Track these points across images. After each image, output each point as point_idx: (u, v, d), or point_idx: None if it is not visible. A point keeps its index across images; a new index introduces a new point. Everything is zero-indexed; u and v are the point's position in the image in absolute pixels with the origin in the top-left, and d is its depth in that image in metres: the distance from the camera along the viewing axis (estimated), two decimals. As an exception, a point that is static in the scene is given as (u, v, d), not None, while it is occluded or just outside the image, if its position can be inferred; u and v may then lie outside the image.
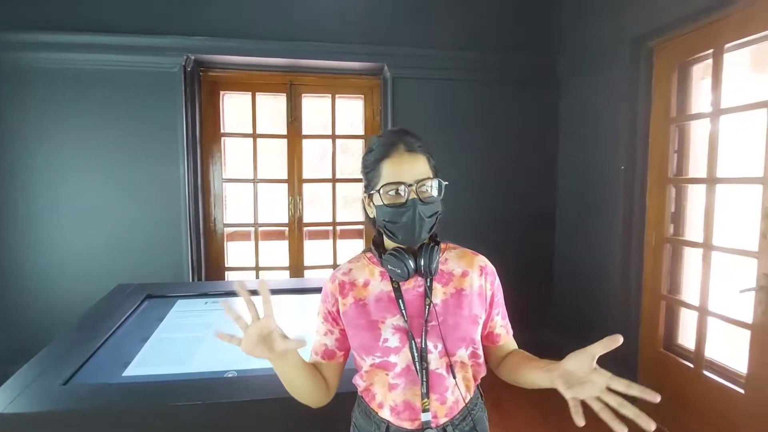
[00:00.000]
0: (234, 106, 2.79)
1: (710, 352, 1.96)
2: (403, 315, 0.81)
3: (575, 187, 2.70)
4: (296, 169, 2.82)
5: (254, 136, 2.76)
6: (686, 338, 2.15)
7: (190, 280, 2.57)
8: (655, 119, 2.20)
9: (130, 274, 2.35)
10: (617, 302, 2.36)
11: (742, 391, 1.75)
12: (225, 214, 2.80)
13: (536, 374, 0.77)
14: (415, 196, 0.78)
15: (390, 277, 0.84)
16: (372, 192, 0.82)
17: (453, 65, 2.69)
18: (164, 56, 2.33)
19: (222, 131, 2.73)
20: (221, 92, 2.70)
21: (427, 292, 0.83)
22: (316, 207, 2.98)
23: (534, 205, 2.88)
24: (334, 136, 2.84)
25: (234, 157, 2.81)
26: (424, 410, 0.79)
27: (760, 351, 1.69)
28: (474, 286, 0.87)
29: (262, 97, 2.78)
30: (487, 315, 0.89)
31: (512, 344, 0.94)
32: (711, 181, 1.90)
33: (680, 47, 2.05)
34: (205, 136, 2.69)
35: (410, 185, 0.78)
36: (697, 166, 2.11)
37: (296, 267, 2.91)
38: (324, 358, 0.88)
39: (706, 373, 1.91)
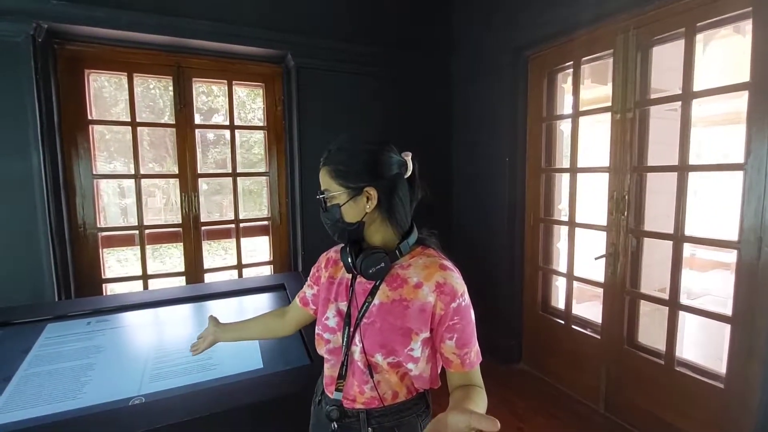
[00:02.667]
0: (114, 90, 2.34)
1: (577, 311, 2.43)
2: (348, 303, 0.89)
3: (469, 177, 3.00)
4: (189, 162, 2.52)
5: (133, 124, 2.37)
6: (558, 301, 2.62)
7: (57, 299, 2.12)
8: (530, 118, 2.58)
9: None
10: (504, 274, 2.72)
11: (598, 336, 2.23)
12: (99, 217, 2.36)
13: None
14: (321, 205, 0.89)
15: None
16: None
17: (356, 59, 2.70)
18: (5, 21, 1.82)
19: (90, 117, 2.27)
20: (86, 71, 2.23)
21: (371, 290, 0.87)
22: (210, 204, 2.72)
23: (432, 193, 3.10)
24: (232, 127, 2.61)
25: (110, 149, 2.38)
26: (337, 389, 0.89)
27: (610, 303, 2.16)
28: (420, 299, 0.82)
29: (143, 81, 2.39)
30: (436, 336, 0.83)
31: (464, 378, 0.83)
32: (573, 170, 2.32)
33: (548, 58, 2.44)
34: (67, 123, 2.20)
35: (318, 195, 0.90)
36: (561, 158, 2.56)
37: (194, 272, 2.62)
38: (299, 303, 1.08)
39: (574, 326, 2.37)
